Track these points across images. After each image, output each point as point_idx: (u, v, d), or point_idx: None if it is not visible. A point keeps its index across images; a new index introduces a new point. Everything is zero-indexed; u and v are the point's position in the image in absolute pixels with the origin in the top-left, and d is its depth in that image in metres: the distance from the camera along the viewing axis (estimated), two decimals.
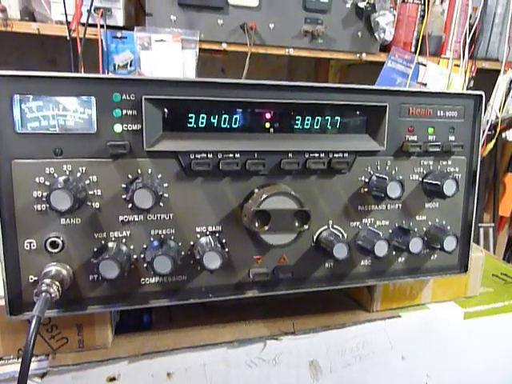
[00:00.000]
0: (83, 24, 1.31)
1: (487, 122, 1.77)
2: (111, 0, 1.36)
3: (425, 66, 1.73)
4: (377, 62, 1.72)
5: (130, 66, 1.43)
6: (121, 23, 1.40)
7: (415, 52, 1.72)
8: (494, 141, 1.85)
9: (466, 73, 1.72)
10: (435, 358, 0.82)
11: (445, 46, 1.80)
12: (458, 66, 1.76)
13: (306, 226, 0.60)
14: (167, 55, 1.42)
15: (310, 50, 1.59)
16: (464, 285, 0.85)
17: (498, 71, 1.81)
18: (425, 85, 1.74)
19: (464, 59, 1.72)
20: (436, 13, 1.76)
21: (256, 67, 1.52)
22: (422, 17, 1.72)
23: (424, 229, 0.72)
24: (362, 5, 1.57)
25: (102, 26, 1.36)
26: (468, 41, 1.71)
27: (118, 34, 1.40)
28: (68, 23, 1.31)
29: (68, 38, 1.32)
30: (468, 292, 0.86)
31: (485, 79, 1.78)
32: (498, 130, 1.85)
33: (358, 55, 1.65)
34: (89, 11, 1.31)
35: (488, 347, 0.85)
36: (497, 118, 1.83)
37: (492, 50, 1.83)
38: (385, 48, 1.72)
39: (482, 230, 2.21)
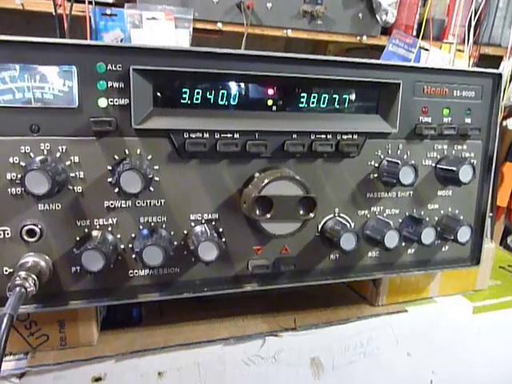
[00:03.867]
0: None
1: None
2: None
3: (427, 50, 1.68)
4: (377, 45, 1.67)
5: None
6: None
7: (417, 36, 1.67)
8: None
9: (469, 58, 1.67)
10: (441, 354, 0.79)
11: (447, 31, 1.75)
12: (460, 51, 1.71)
13: (311, 214, 0.56)
14: (159, 34, 1.35)
15: (309, 31, 1.54)
16: (473, 278, 0.82)
17: (501, 57, 1.77)
18: None
19: (468, 44, 1.66)
20: None
21: (252, 50, 1.46)
22: None
23: (436, 218, 0.68)
24: None
25: (90, 3, 1.29)
26: (473, 25, 1.65)
27: (108, 11, 1.34)
28: None
29: (54, 14, 1.25)
30: (477, 285, 0.83)
31: (487, 65, 1.72)
32: None
33: (358, 38, 1.61)
34: None
35: (497, 343, 0.82)
36: None
37: (495, 35, 1.78)
38: (386, 31, 1.67)
39: None
